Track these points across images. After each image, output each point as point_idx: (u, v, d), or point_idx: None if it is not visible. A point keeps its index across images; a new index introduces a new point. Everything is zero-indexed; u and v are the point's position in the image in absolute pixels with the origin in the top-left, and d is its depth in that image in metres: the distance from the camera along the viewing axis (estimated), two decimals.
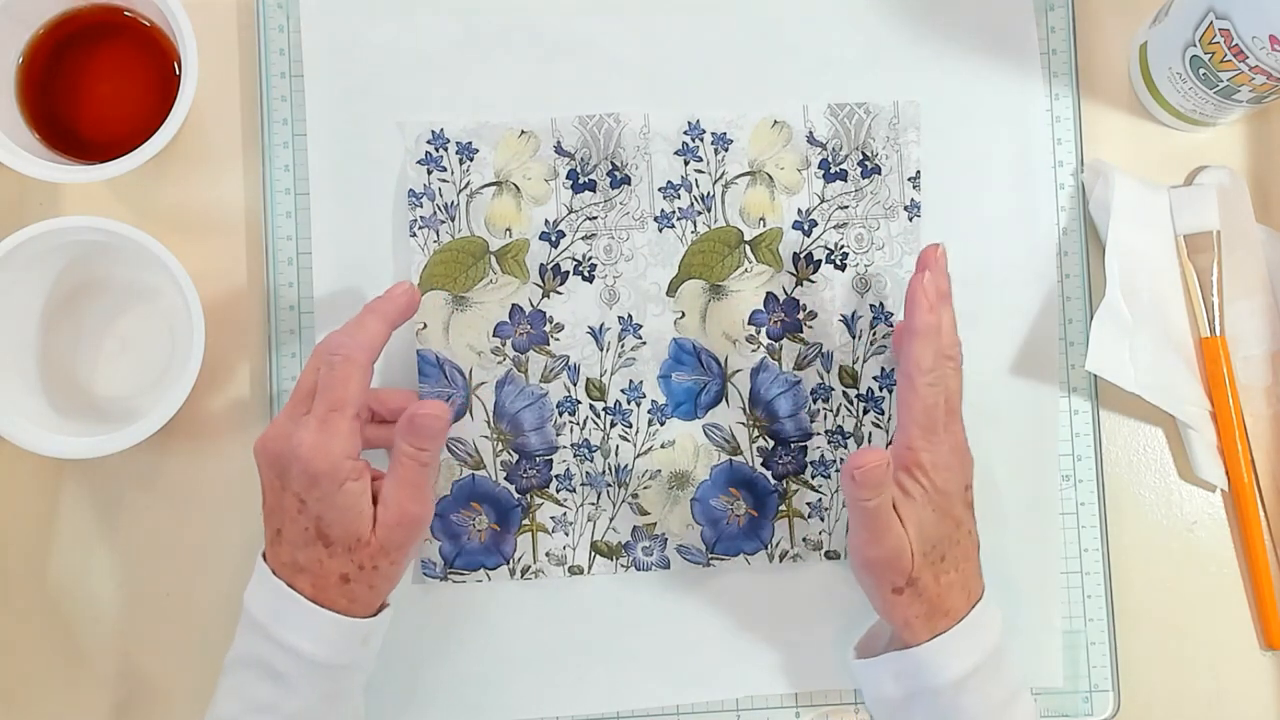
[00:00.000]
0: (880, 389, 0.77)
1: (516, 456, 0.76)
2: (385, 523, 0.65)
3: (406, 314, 0.68)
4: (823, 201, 0.77)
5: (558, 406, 0.76)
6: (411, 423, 0.64)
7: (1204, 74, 0.72)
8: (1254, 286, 0.78)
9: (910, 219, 0.77)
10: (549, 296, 0.76)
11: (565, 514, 0.76)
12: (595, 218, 0.76)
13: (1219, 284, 0.77)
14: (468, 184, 0.76)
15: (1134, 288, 0.76)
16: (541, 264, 0.76)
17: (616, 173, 0.76)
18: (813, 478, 0.76)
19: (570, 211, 0.76)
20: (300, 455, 0.64)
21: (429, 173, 0.76)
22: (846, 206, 0.77)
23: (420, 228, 0.76)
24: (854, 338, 0.77)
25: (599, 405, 0.76)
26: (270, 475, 0.66)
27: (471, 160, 0.76)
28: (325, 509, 0.64)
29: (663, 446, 0.76)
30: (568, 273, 0.76)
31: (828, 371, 0.77)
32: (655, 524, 0.76)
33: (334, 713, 0.66)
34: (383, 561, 0.65)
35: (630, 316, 0.76)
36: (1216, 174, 0.78)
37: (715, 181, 0.77)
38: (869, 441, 0.77)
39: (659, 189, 0.77)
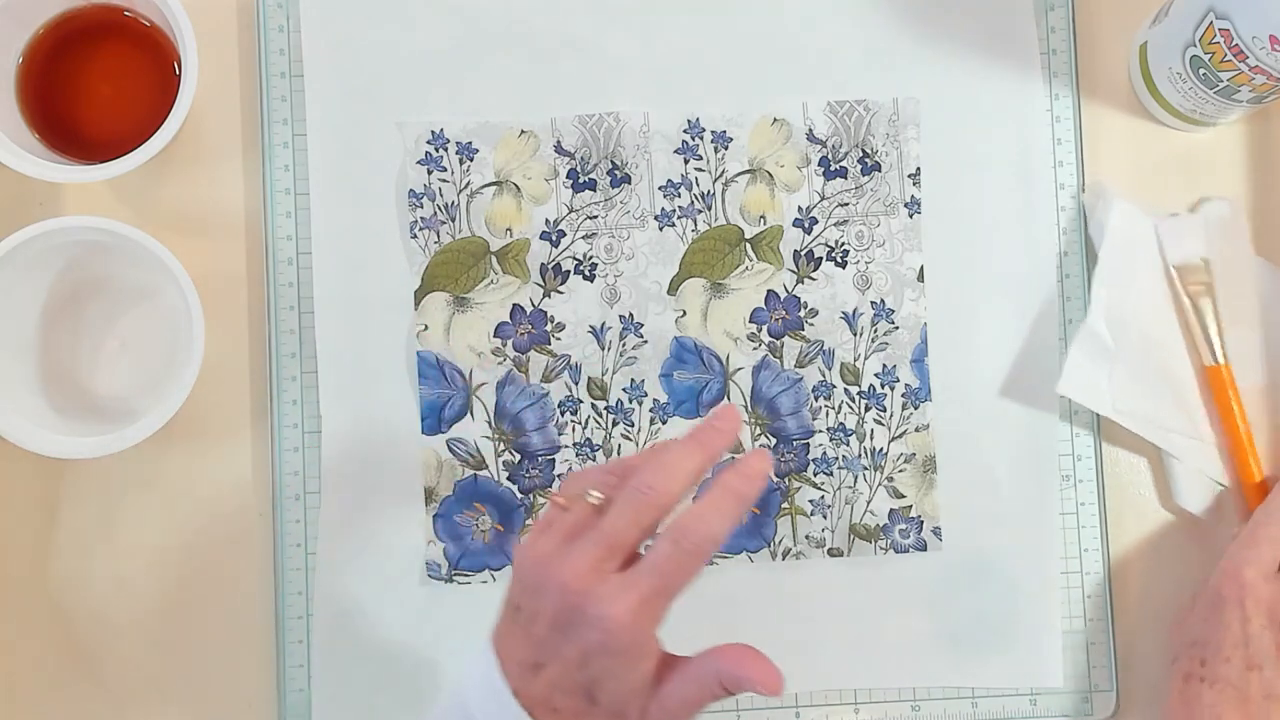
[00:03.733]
0: (881, 385, 0.77)
1: (519, 456, 0.76)
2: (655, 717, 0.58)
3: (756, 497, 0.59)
4: (823, 199, 0.77)
5: (559, 406, 0.76)
6: (736, 661, 0.59)
7: (1204, 74, 0.72)
8: (1245, 319, 0.78)
9: (910, 215, 0.77)
10: (550, 296, 0.76)
11: None
12: (596, 217, 0.76)
13: (1215, 312, 0.77)
14: (468, 184, 0.76)
15: (1122, 315, 0.76)
16: (542, 263, 0.76)
17: (616, 172, 0.76)
18: (815, 475, 0.76)
19: (570, 211, 0.76)
20: (609, 626, 0.56)
21: (429, 173, 0.76)
22: (847, 204, 0.77)
23: (421, 229, 0.76)
24: (855, 335, 0.77)
25: (601, 404, 0.76)
26: (548, 609, 0.57)
27: (471, 160, 0.76)
28: (609, 679, 0.57)
29: None
30: (569, 272, 0.76)
31: (829, 369, 0.77)
32: None
33: None
34: None
35: (631, 315, 0.76)
36: (1217, 206, 0.78)
37: (715, 180, 0.77)
38: (870, 439, 0.77)
39: (659, 187, 0.77)
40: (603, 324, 0.76)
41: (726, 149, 0.77)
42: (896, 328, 0.77)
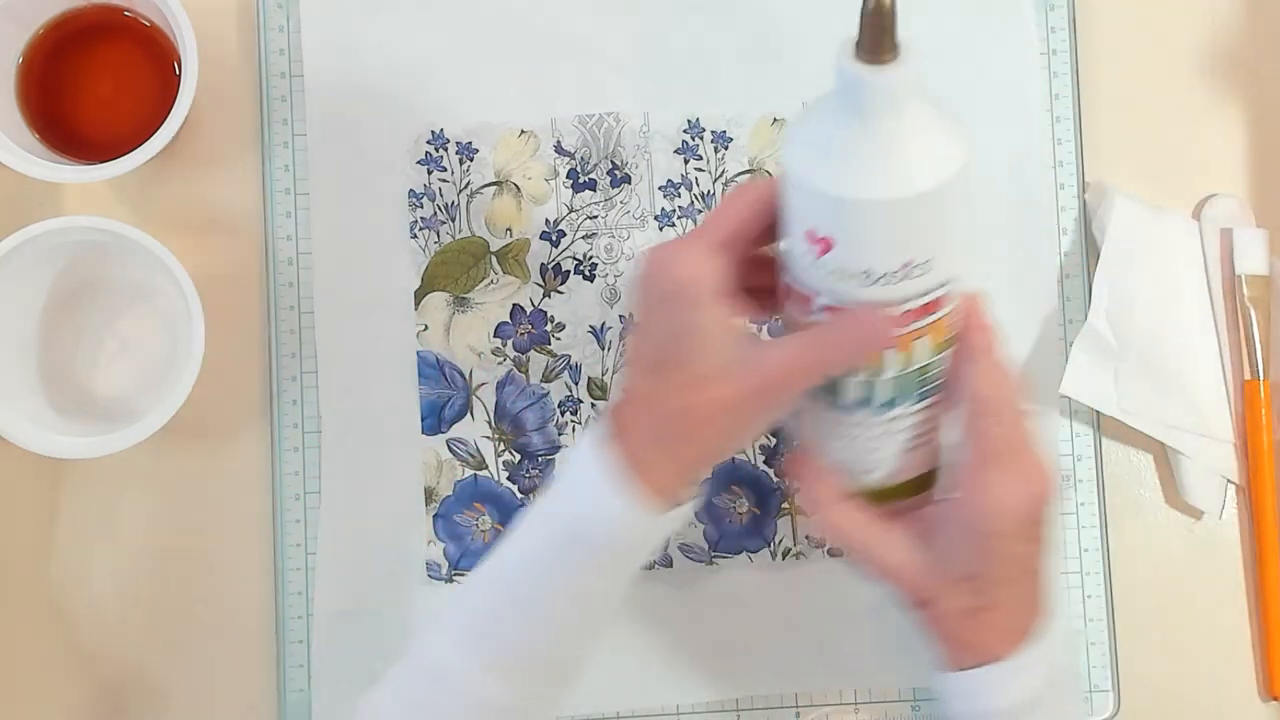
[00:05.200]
0: None
1: (519, 456, 0.76)
2: (738, 384, 0.55)
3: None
4: None
5: (559, 406, 0.76)
6: (848, 318, 0.54)
7: None
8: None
9: None
10: (550, 296, 0.76)
11: None
12: (596, 217, 0.76)
13: (1265, 327, 0.77)
14: (468, 184, 0.76)
15: (1125, 313, 0.76)
16: (542, 263, 0.76)
17: (617, 172, 0.76)
18: None
19: (571, 211, 0.76)
20: (654, 267, 0.55)
21: (429, 173, 0.76)
22: None
23: (421, 229, 0.76)
24: None
25: (601, 404, 0.76)
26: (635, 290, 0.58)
27: (471, 160, 0.76)
28: (668, 331, 0.55)
29: None
30: (569, 272, 0.76)
31: None
32: None
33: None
34: (717, 418, 0.55)
35: (631, 315, 0.76)
36: (1225, 202, 0.78)
37: (715, 180, 0.77)
38: None
39: (659, 187, 0.77)
40: (603, 324, 0.76)
41: (726, 149, 0.77)
42: None
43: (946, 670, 0.60)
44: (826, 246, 0.52)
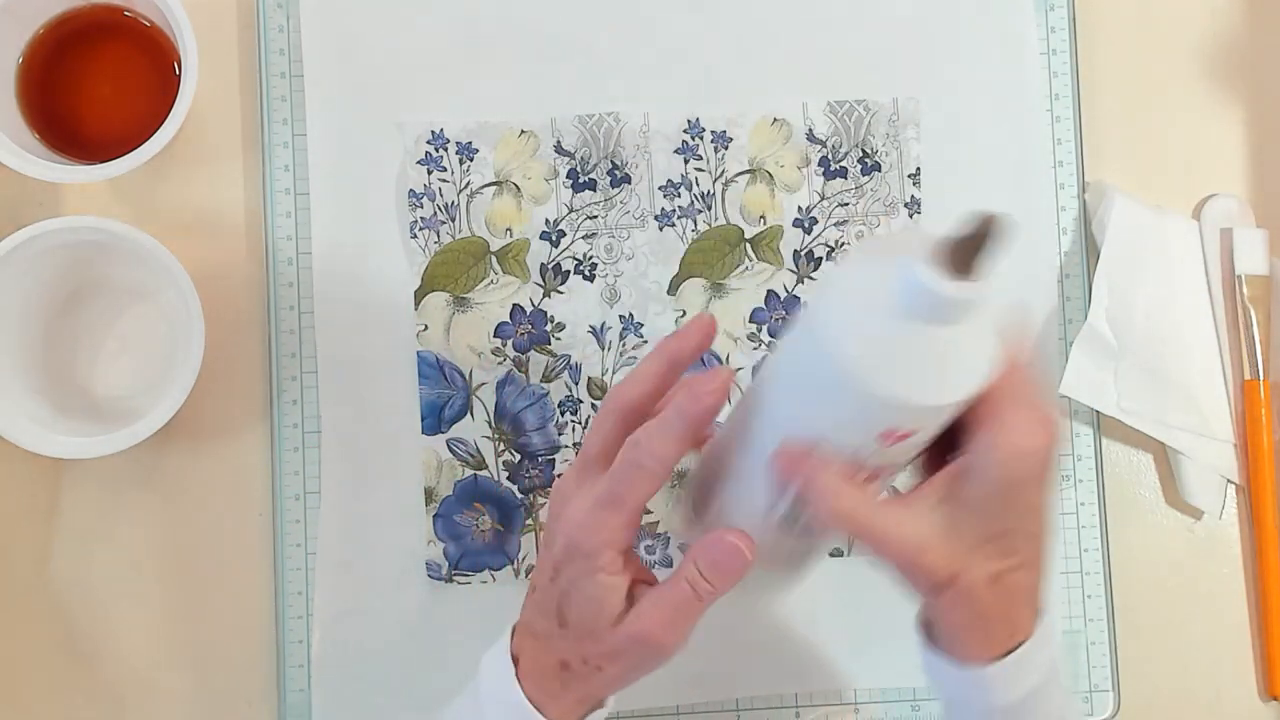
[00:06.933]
0: None
1: (519, 456, 0.76)
2: (627, 632, 0.57)
3: (709, 417, 0.56)
4: (823, 199, 0.77)
5: (559, 406, 0.76)
6: (707, 551, 0.56)
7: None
8: None
9: (911, 215, 0.77)
10: (550, 296, 0.76)
11: None
12: (596, 217, 0.76)
13: (1265, 327, 0.77)
14: (468, 184, 0.76)
15: (1125, 313, 0.76)
16: (542, 263, 0.76)
17: (617, 171, 0.76)
18: None
19: (570, 211, 0.76)
20: (566, 526, 0.57)
21: (429, 173, 0.76)
22: (847, 204, 0.77)
23: (421, 229, 0.76)
24: None
25: (599, 403, 0.76)
26: (549, 526, 0.60)
27: (471, 160, 0.76)
28: (571, 588, 0.58)
29: None
30: (569, 272, 0.76)
31: None
32: (657, 522, 0.76)
33: None
34: (608, 666, 0.58)
35: (631, 315, 0.76)
36: (1225, 202, 0.78)
37: (715, 180, 0.77)
38: None
39: (659, 187, 0.77)
40: (603, 324, 0.76)
41: (726, 149, 0.77)
42: None
43: (971, 664, 0.56)
44: (904, 437, 0.52)
